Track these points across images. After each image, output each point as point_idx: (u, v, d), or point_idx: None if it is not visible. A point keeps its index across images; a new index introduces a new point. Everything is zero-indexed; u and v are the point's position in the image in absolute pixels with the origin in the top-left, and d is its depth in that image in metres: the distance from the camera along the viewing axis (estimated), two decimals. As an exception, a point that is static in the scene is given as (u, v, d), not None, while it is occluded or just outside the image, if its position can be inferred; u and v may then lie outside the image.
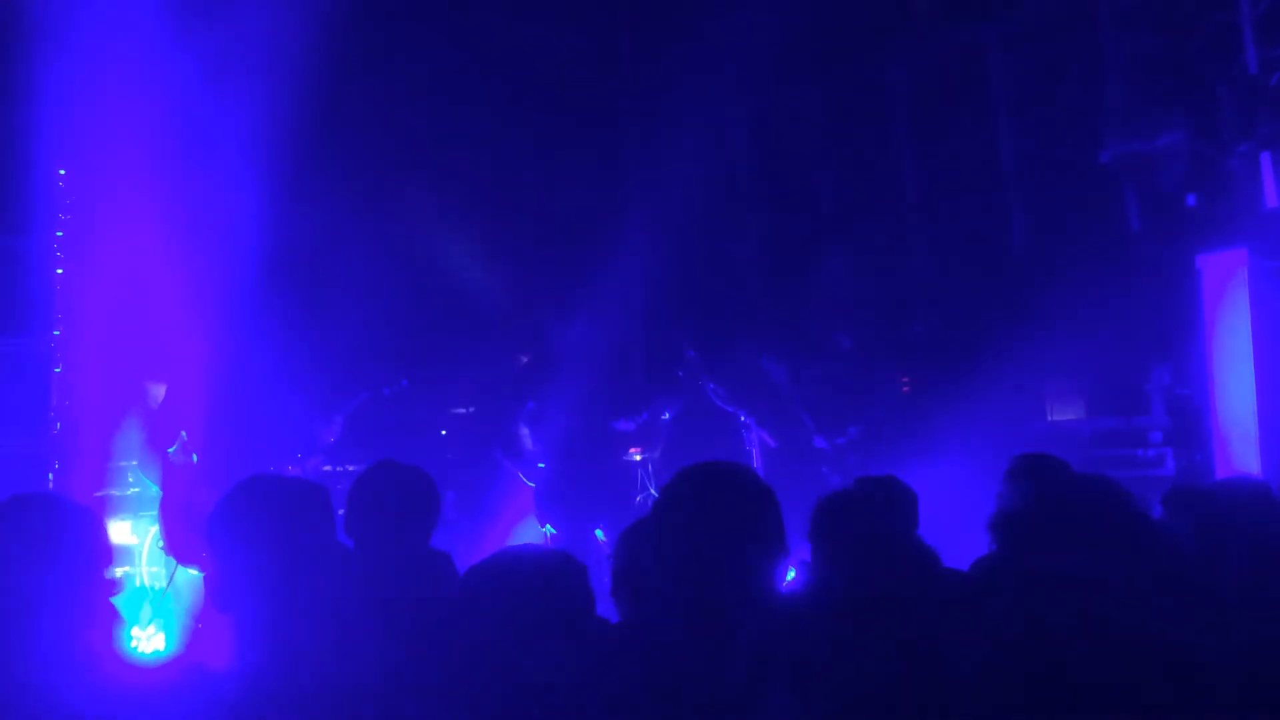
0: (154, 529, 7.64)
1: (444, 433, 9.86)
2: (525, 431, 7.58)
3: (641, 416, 7.45)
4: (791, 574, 3.93)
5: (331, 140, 8.98)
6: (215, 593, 2.73)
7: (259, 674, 2.60)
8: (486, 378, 9.96)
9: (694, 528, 2.62)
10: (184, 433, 7.32)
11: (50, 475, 7.54)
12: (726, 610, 2.48)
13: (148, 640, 7.02)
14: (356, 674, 2.65)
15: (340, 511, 3.68)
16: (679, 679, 2.41)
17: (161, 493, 7.56)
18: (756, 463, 7.52)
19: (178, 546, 7.20)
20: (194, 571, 7.22)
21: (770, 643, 2.33)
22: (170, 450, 7.51)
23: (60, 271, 7.68)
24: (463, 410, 9.87)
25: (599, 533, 7.39)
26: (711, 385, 7.40)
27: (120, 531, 7.76)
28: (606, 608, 3.54)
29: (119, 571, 7.50)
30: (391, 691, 2.60)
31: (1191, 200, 8.30)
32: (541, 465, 7.60)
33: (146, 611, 7.18)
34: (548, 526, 7.72)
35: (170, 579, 7.41)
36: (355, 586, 3.57)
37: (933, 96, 9.93)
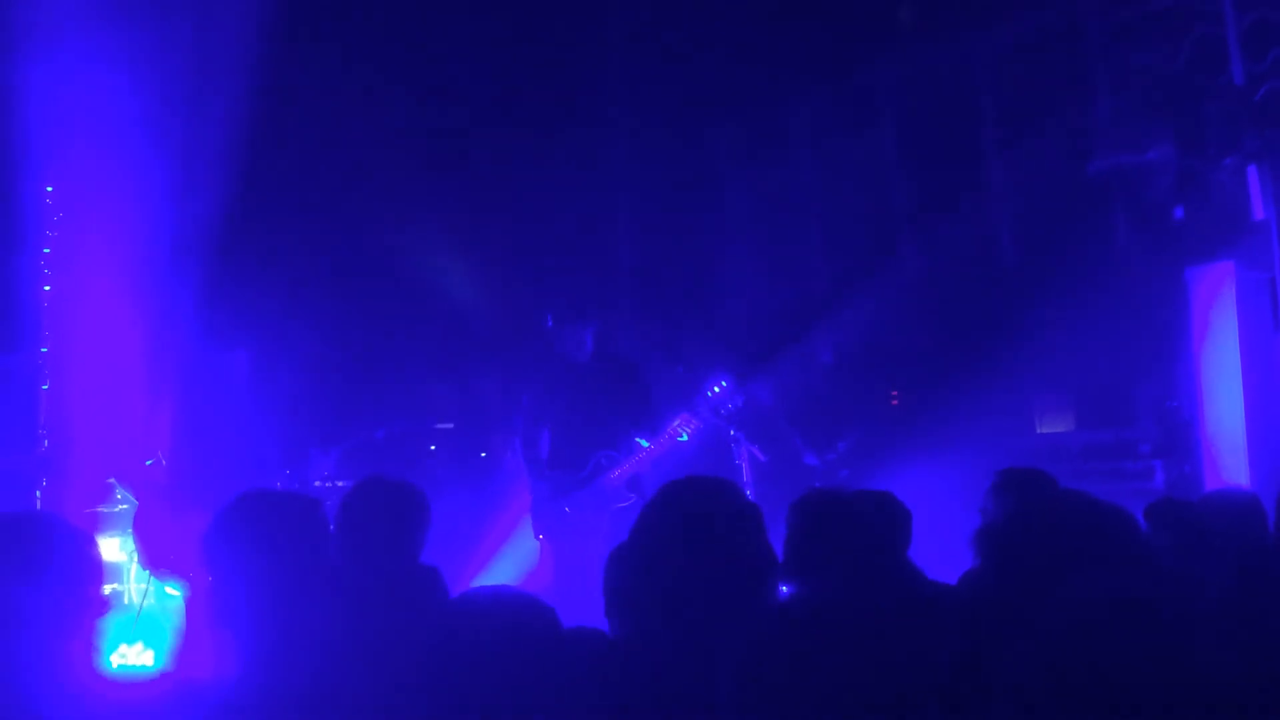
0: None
1: (433, 448, 9.86)
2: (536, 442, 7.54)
3: (659, 436, 7.37)
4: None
5: (317, 159, 8.99)
6: (210, 605, 2.73)
7: (252, 686, 2.60)
8: (473, 392, 9.98)
9: (676, 545, 2.61)
10: (160, 450, 7.32)
11: (38, 492, 7.52)
12: (710, 627, 2.47)
13: (135, 657, 6.99)
14: (346, 688, 2.65)
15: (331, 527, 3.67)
16: (665, 697, 2.40)
17: (138, 507, 7.54)
18: (746, 477, 7.50)
19: (155, 562, 7.18)
20: (172, 590, 7.19)
21: (757, 660, 2.32)
22: (147, 463, 7.49)
23: (47, 288, 7.68)
24: (448, 426, 9.87)
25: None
26: (700, 399, 7.35)
27: (109, 548, 7.73)
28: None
29: (108, 589, 7.47)
30: (377, 706, 2.60)
31: (1179, 213, 8.33)
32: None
33: (132, 628, 7.15)
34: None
35: (146, 594, 7.38)
36: (345, 601, 3.56)
37: (921, 109, 9.95)
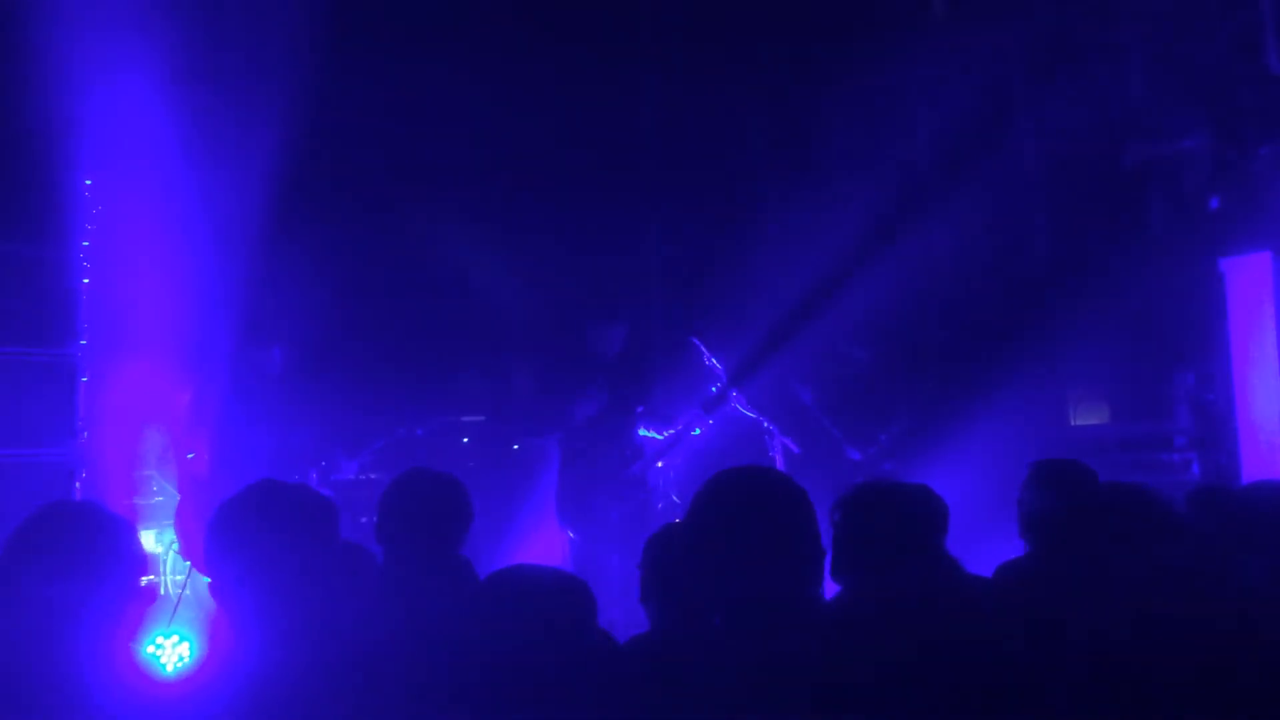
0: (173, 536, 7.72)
1: (465, 440, 9.90)
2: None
3: (672, 431, 7.48)
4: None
5: (354, 156, 9.03)
6: (215, 592, 2.77)
7: (264, 675, 2.62)
8: (503, 385, 10.01)
9: (730, 534, 2.58)
10: (200, 444, 7.40)
11: (77, 484, 7.59)
12: (763, 617, 2.45)
13: (170, 649, 7.06)
14: (369, 679, 2.66)
15: (364, 519, 3.71)
16: (711, 686, 2.39)
17: (180, 499, 7.61)
18: (780, 469, 7.51)
19: (195, 553, 7.25)
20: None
21: (807, 651, 2.31)
22: (189, 456, 7.56)
23: (86, 281, 7.73)
24: (480, 418, 9.90)
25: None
26: (734, 393, 7.40)
27: (145, 541, 7.79)
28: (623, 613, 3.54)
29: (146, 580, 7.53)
30: (408, 698, 2.61)
31: (1215, 203, 8.26)
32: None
33: (168, 620, 7.22)
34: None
35: (184, 586, 7.46)
36: (384, 593, 3.59)
37: (952, 98, 9.89)
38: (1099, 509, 2.53)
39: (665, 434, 7.46)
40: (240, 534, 2.77)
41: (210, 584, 2.79)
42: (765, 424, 7.51)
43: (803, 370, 9.15)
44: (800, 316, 9.90)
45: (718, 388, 7.36)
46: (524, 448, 9.81)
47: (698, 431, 7.43)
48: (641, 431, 7.52)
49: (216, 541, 2.79)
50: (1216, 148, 8.16)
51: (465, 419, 9.90)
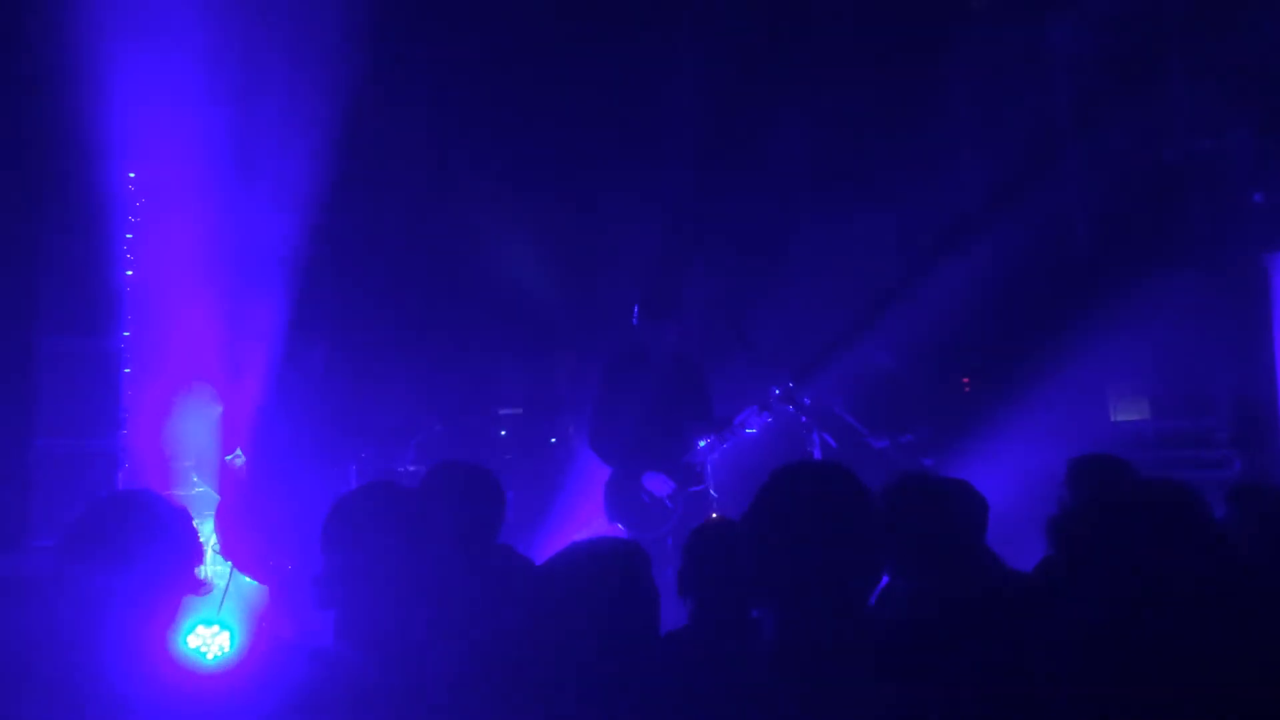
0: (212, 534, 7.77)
1: (503, 433, 9.94)
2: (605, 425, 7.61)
3: (725, 431, 7.48)
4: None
5: (393, 156, 9.08)
6: (323, 588, 2.83)
7: (357, 667, 2.67)
8: (543, 378, 10.04)
9: (801, 528, 2.55)
10: (239, 448, 7.46)
11: (119, 475, 7.67)
12: (829, 613, 2.43)
13: (211, 639, 7.11)
14: (437, 670, 2.70)
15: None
16: (756, 680, 2.39)
17: (220, 498, 7.66)
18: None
19: (234, 552, 7.30)
20: (249, 578, 7.32)
21: (859, 649, 2.31)
22: (229, 457, 7.63)
23: (130, 273, 7.81)
24: (517, 411, 9.94)
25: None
26: (775, 389, 7.40)
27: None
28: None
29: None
30: (462, 688, 2.63)
31: (1258, 198, 8.20)
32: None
33: (209, 612, 7.28)
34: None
35: (229, 578, 7.51)
36: (428, 587, 3.62)
37: (994, 93, 9.84)
38: (1128, 508, 2.51)
39: (721, 434, 7.45)
40: (366, 529, 2.85)
41: (281, 577, 2.86)
42: (802, 419, 7.49)
43: (832, 380, 9.09)
44: (846, 319, 9.87)
45: (780, 389, 7.34)
46: (560, 440, 9.85)
47: (752, 430, 7.42)
48: (701, 443, 7.51)
49: (336, 534, 2.87)
50: (1259, 143, 8.08)
51: (503, 412, 9.96)
